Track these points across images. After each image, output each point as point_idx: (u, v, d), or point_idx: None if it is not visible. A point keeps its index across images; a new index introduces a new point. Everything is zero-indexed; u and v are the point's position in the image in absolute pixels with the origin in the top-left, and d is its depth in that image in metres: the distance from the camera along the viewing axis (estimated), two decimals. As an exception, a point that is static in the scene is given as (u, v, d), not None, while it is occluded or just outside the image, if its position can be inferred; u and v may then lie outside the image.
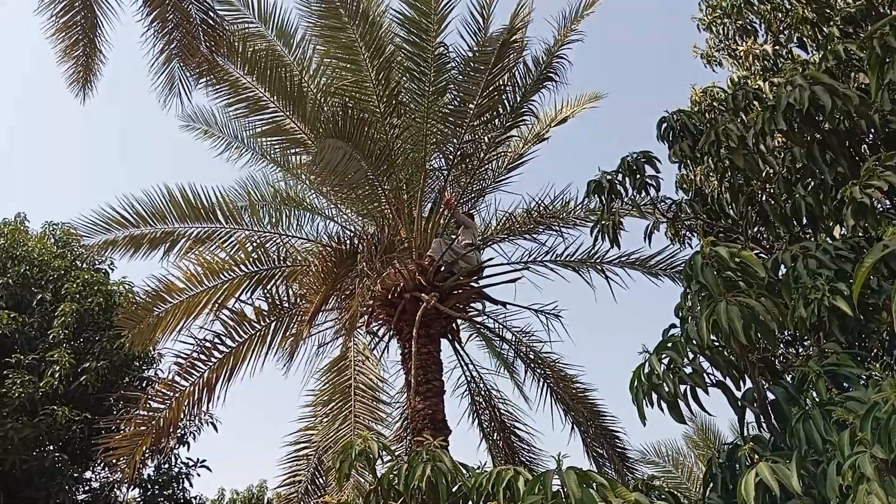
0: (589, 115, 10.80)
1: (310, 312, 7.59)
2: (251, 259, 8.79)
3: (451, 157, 9.09)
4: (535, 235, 9.79)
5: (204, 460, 11.89)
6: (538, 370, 10.10)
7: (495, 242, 9.96)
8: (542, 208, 9.70)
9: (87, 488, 11.47)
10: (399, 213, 9.18)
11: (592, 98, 10.81)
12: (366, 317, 8.96)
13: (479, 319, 9.79)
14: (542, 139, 10.43)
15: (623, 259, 9.61)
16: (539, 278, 9.69)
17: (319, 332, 9.31)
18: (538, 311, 9.31)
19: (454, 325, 9.40)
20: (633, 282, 9.63)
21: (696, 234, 6.33)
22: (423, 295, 8.23)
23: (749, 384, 3.35)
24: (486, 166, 9.84)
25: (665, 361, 3.38)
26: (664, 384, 3.26)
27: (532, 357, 10.10)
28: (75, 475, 11.02)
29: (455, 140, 9.02)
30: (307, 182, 10.10)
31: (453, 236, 9.14)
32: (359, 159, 8.14)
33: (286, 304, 8.75)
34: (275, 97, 8.76)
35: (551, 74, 9.22)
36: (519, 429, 10.00)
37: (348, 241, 8.81)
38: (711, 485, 3.35)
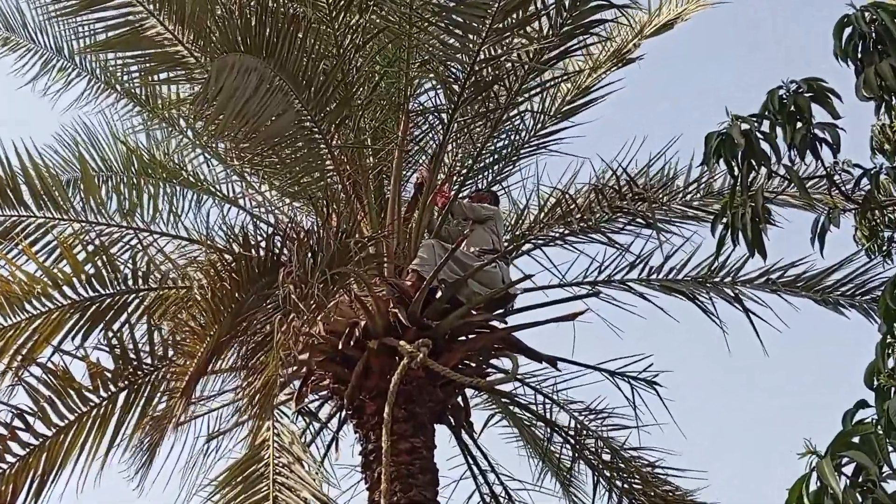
0: (709, 21, 10.84)
1: (189, 374, 7.59)
2: (84, 275, 8.78)
3: (455, 87, 9.13)
4: (609, 234, 9.85)
5: None
6: (618, 481, 10.18)
7: (537, 246, 10.03)
8: (622, 185, 9.70)
9: None
10: (360, 190, 9.25)
11: (716, -7, 10.85)
12: (296, 384, 8.97)
13: (506, 389, 9.84)
14: (625, 61, 10.49)
15: (773, 276, 9.72)
16: (617, 312, 9.77)
17: (212, 412, 9.37)
18: (617, 373, 9.34)
19: (460, 399, 9.45)
20: (794, 313, 9.66)
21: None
22: (402, 343, 8.26)
23: None
24: (522, 105, 9.90)
25: (848, 470, 3.41)
26: (846, 513, 3.28)
27: (607, 459, 10.16)
28: None
29: (464, 56, 9.03)
30: (191, 135, 10.12)
31: (460, 228, 9.17)
32: (286, 91, 8.19)
33: (147, 360, 8.74)
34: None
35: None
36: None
37: (264, 243, 8.80)
38: None
